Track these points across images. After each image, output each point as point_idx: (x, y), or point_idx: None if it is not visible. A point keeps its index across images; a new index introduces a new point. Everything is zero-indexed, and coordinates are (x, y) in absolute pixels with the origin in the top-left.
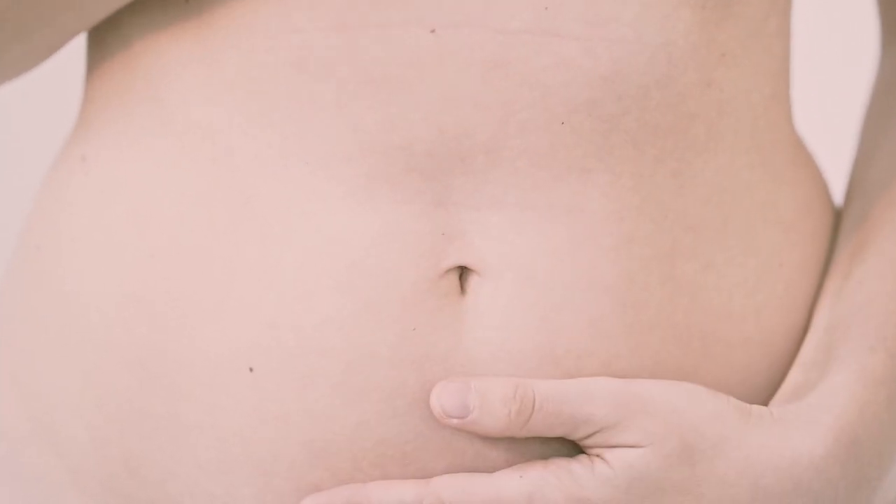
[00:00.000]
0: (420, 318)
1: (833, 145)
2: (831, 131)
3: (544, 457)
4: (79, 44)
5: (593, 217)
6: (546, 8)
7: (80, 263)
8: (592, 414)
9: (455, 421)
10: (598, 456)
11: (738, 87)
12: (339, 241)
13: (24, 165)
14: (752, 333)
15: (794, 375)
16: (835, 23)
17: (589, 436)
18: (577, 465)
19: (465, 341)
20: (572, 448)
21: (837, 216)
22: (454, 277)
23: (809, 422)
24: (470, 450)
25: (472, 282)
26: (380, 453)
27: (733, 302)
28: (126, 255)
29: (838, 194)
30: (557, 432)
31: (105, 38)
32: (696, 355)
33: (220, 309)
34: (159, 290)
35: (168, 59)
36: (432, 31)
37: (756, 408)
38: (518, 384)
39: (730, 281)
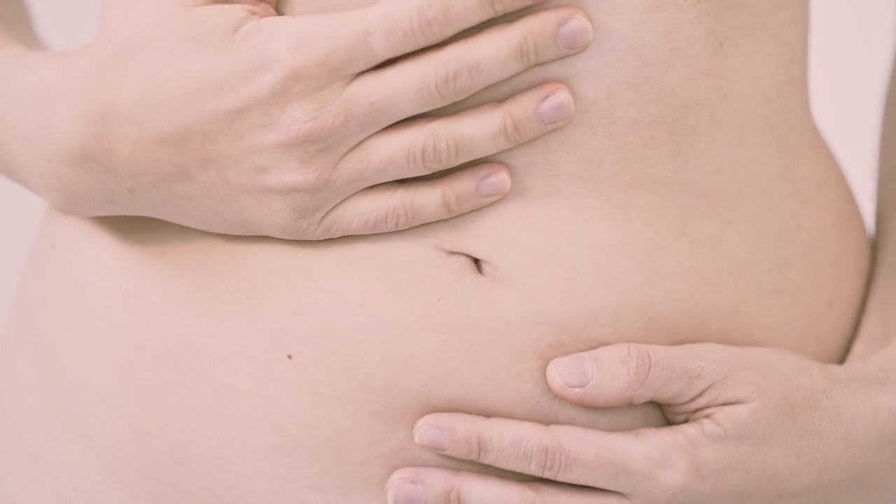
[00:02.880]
0: (440, 289)
1: (847, 141)
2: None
3: None
4: None
5: (575, 196)
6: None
7: (98, 259)
8: (703, 367)
9: (576, 391)
10: (706, 417)
11: (743, 73)
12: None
13: None
14: (781, 284)
15: (857, 348)
16: (851, 19)
17: (700, 394)
18: (688, 428)
19: (497, 308)
20: None
21: (851, 197)
22: (465, 259)
23: (881, 379)
24: (526, 400)
25: (486, 267)
26: (456, 406)
27: (758, 254)
28: (141, 251)
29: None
30: (673, 389)
31: None
32: (731, 300)
33: (243, 299)
34: (179, 283)
35: None
36: None
37: (831, 366)
38: (629, 345)
39: (751, 237)
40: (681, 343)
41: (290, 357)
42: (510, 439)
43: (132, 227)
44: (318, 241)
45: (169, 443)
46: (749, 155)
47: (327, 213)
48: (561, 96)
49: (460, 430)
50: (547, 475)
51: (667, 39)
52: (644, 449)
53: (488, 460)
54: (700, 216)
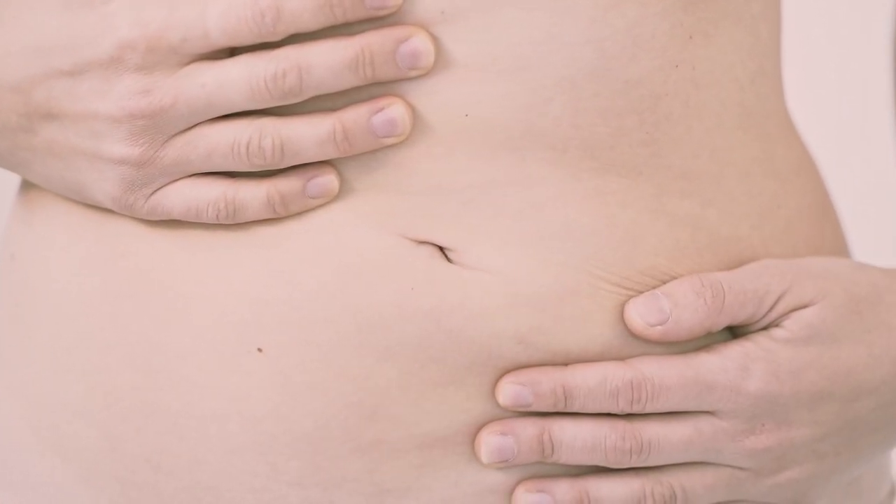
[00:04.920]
0: (413, 278)
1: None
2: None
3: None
4: None
5: (544, 183)
6: (442, 12)
7: (59, 265)
8: (769, 283)
9: (658, 329)
10: (775, 326)
11: (717, 63)
12: (295, 223)
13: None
14: (764, 258)
15: None
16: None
17: (771, 308)
18: (758, 337)
19: (473, 293)
20: None
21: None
22: (433, 249)
23: None
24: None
25: (454, 256)
26: (436, 390)
27: (740, 230)
28: (102, 254)
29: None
30: (748, 311)
31: None
32: (713, 271)
33: (208, 294)
34: (142, 283)
35: None
36: None
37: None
38: (698, 276)
39: (734, 215)
40: None
41: (260, 350)
42: (596, 380)
43: (92, 229)
44: (278, 236)
45: (144, 448)
46: (728, 140)
47: (154, 193)
48: (394, 111)
49: (544, 382)
50: (635, 409)
51: (628, 34)
52: (721, 362)
53: (575, 407)
54: (679, 196)
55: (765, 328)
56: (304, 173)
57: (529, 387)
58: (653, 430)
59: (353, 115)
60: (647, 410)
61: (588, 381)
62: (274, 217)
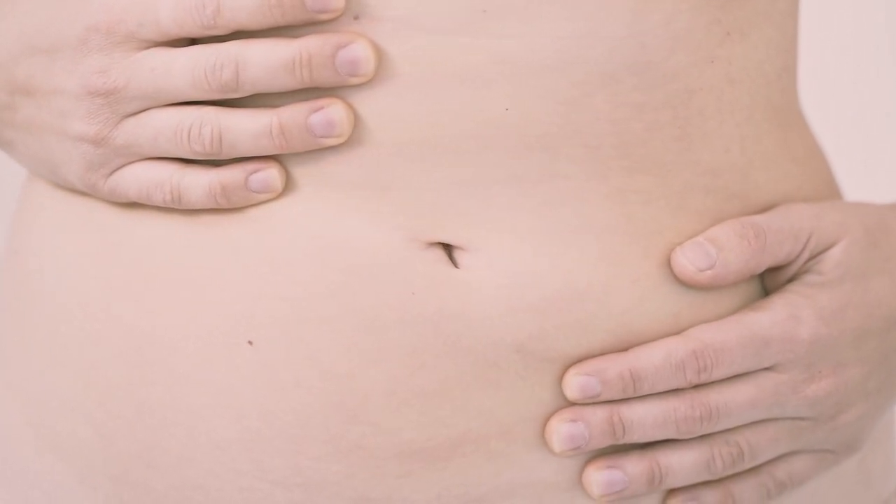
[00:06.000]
0: (415, 283)
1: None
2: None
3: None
4: None
5: (570, 181)
6: (484, 11)
7: (56, 260)
8: (800, 221)
9: (708, 273)
10: (805, 273)
11: (750, 59)
12: (299, 217)
13: (12, 168)
14: None
15: None
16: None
17: (804, 246)
18: (795, 286)
19: (476, 298)
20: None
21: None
22: (440, 252)
23: None
24: (504, 389)
25: (462, 256)
26: (421, 400)
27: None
28: (98, 245)
29: None
30: (786, 249)
31: None
32: None
33: (204, 286)
34: (137, 276)
35: None
36: (355, 17)
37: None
38: (737, 219)
39: (757, 205)
40: (675, 303)
41: (250, 343)
42: (661, 357)
43: (90, 223)
44: (282, 231)
45: (136, 445)
46: (756, 130)
47: (112, 173)
48: (332, 112)
49: (611, 370)
50: (702, 379)
51: (667, 28)
52: (770, 316)
53: (644, 389)
54: (704, 192)
55: (796, 278)
56: (247, 166)
57: (596, 375)
58: (718, 396)
59: (291, 113)
60: (713, 378)
61: (653, 360)
62: (216, 207)
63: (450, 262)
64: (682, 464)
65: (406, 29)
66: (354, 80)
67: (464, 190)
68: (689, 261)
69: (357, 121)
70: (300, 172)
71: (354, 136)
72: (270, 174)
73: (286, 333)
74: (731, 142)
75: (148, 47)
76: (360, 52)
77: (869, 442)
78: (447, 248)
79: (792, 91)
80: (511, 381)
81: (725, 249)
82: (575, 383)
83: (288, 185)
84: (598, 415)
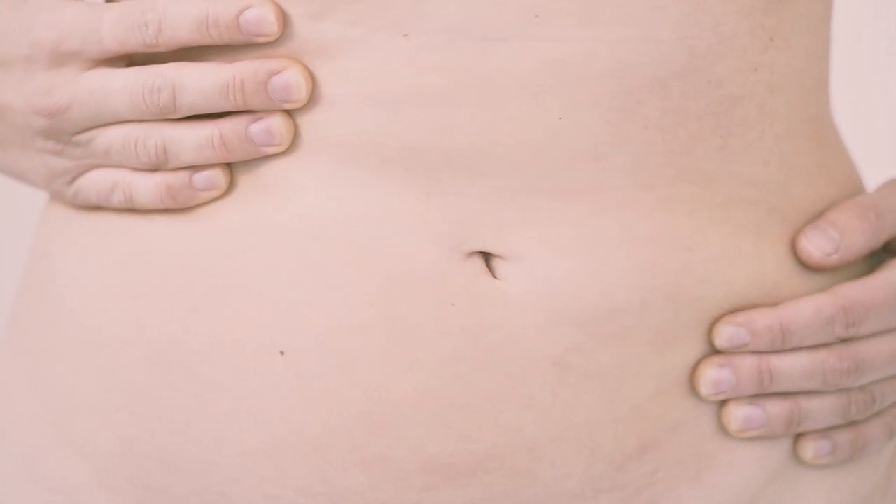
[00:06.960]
0: (455, 294)
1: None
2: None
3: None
4: None
5: (617, 191)
6: (536, 16)
7: (83, 264)
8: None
9: (835, 257)
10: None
11: (791, 67)
12: (339, 222)
13: None
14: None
15: None
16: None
17: None
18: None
19: (515, 312)
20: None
21: None
22: (479, 262)
23: None
24: (535, 406)
25: (502, 267)
26: (449, 413)
27: None
28: (126, 252)
29: None
30: None
31: None
32: (773, 278)
33: (235, 295)
34: (162, 283)
35: None
36: (405, 35)
37: None
38: (854, 201)
39: (797, 222)
40: (708, 319)
41: (282, 353)
42: (811, 311)
43: (117, 230)
44: (319, 238)
45: (157, 449)
46: (795, 145)
47: (73, 180)
48: (272, 121)
49: (760, 321)
50: (850, 333)
51: (714, 32)
52: (830, 296)
53: (793, 342)
54: (746, 204)
55: None
56: (191, 167)
57: (746, 326)
58: (864, 350)
59: (232, 124)
60: (861, 334)
61: (803, 314)
62: (164, 208)
63: (489, 272)
64: (822, 409)
65: (459, 38)
66: (287, 106)
67: (507, 199)
68: (815, 247)
69: (399, 127)
70: (339, 176)
71: (401, 142)
72: (214, 172)
73: (319, 342)
74: (771, 154)
75: (92, 67)
76: (291, 78)
77: None
78: (486, 256)
79: (826, 103)
80: (544, 396)
81: (848, 232)
82: (724, 332)
83: (325, 191)
84: (747, 363)
